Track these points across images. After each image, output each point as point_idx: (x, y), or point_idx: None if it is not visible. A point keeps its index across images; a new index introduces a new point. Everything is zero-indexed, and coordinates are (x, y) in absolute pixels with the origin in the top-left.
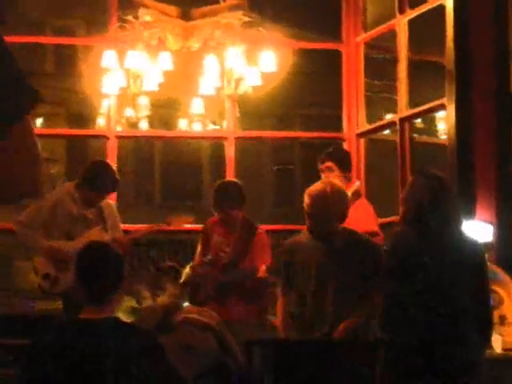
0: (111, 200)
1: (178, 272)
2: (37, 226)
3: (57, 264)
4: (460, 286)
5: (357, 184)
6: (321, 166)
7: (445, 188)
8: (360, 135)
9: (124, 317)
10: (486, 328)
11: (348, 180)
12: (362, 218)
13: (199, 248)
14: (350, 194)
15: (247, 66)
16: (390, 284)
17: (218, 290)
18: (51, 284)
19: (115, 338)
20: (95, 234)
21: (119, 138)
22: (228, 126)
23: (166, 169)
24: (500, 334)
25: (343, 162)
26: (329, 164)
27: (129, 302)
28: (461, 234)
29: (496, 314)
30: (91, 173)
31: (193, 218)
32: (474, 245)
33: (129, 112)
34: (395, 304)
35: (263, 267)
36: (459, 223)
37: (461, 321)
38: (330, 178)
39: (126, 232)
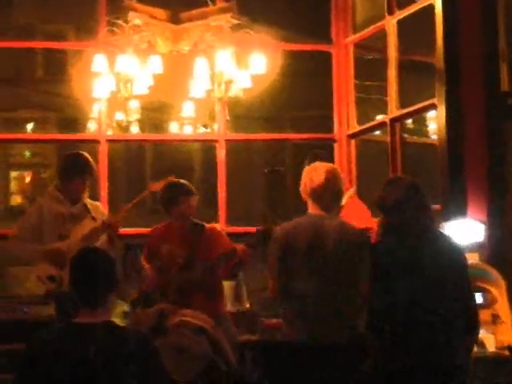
0: (99, 202)
1: None
2: (28, 235)
3: (56, 264)
4: (444, 287)
5: (351, 190)
6: None
7: (420, 192)
8: (351, 136)
9: (117, 321)
10: (472, 331)
11: None
12: (354, 218)
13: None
14: (345, 200)
15: (237, 68)
16: (375, 288)
17: (179, 292)
18: (58, 284)
19: (110, 342)
20: (86, 225)
21: (110, 141)
22: (219, 129)
23: (157, 172)
24: (493, 333)
25: None
26: None
27: (121, 307)
28: (440, 236)
29: (489, 313)
30: (61, 164)
31: (174, 176)
32: (454, 246)
33: (119, 116)
34: (379, 310)
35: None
36: (436, 225)
37: (446, 325)
38: None
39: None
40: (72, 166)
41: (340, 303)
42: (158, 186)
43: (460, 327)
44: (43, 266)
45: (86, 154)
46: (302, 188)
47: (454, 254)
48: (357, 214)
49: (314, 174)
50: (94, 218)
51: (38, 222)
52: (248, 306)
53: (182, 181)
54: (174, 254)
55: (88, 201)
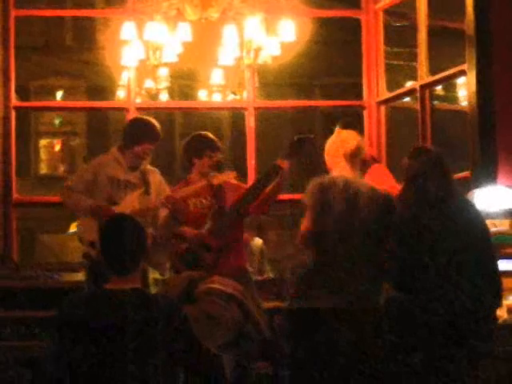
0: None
1: None
2: (81, 189)
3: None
4: (465, 251)
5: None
6: None
7: (443, 164)
8: (380, 103)
9: (147, 289)
10: (495, 297)
11: None
12: (377, 181)
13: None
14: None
15: (266, 35)
16: (400, 248)
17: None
18: (98, 252)
19: (139, 309)
20: (135, 198)
21: (139, 109)
22: (248, 96)
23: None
24: None
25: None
26: None
27: (152, 274)
28: (464, 203)
29: None
30: (129, 128)
31: (234, 174)
32: (476, 214)
33: (148, 83)
34: (405, 268)
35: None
36: (458, 194)
37: (468, 292)
38: None
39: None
40: (142, 130)
41: (366, 264)
42: (218, 180)
43: (483, 295)
44: (87, 229)
45: (147, 119)
46: (337, 154)
47: (475, 223)
48: (381, 179)
49: (350, 141)
50: (147, 193)
51: (92, 179)
52: (270, 275)
53: (211, 136)
54: (202, 206)
55: (148, 167)
